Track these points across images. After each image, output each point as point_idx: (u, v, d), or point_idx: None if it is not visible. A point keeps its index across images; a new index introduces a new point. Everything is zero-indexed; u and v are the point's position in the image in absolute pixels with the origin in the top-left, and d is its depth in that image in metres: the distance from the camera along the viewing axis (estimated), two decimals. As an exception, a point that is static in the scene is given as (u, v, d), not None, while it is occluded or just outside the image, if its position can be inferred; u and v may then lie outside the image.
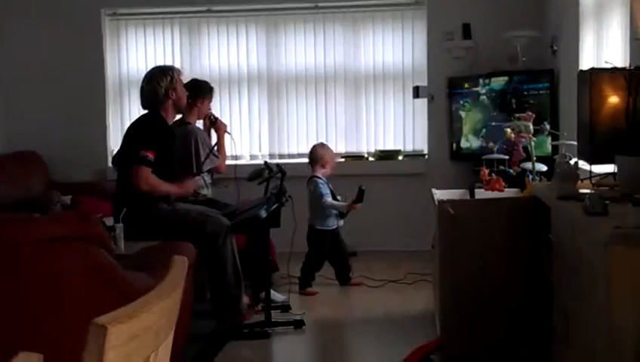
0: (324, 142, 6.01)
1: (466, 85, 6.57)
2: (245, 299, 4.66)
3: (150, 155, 4.37)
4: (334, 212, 5.52)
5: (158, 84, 4.58)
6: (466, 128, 6.58)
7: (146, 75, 4.72)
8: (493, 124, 6.28)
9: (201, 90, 5.30)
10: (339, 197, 5.57)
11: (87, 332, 1.07)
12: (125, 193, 4.45)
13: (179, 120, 5.09)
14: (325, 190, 5.50)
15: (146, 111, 4.70)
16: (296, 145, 7.11)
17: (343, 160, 6.77)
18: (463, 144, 6.60)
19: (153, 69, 4.81)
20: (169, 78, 4.61)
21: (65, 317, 2.78)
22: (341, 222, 5.59)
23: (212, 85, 5.54)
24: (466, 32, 6.74)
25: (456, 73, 6.69)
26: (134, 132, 4.58)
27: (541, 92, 6.08)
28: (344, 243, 5.67)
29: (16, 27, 7.07)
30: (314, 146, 5.73)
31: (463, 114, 6.58)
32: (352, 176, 6.37)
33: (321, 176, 5.57)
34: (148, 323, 1.19)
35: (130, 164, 4.41)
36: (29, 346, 1.09)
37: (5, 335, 2.67)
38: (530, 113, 4.39)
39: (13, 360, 1.03)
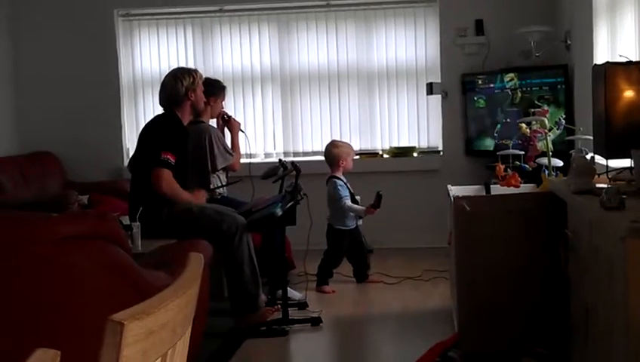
0: (335, 139, 6.00)
1: (480, 81, 6.55)
2: (263, 297, 4.67)
3: (171, 158, 4.38)
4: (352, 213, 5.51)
5: (180, 82, 4.61)
6: (480, 124, 6.55)
7: (169, 73, 4.76)
8: (508, 120, 6.26)
9: (213, 89, 5.30)
10: (357, 198, 5.56)
11: (104, 330, 1.08)
12: (141, 193, 4.46)
13: (192, 118, 5.10)
14: (344, 192, 5.47)
15: (161, 112, 4.71)
16: (310, 143, 7.11)
17: (357, 157, 6.76)
18: (478, 140, 6.58)
19: (177, 68, 4.85)
20: (191, 79, 4.64)
21: (82, 315, 2.79)
22: (360, 222, 5.58)
23: (224, 84, 5.55)
24: (479, 28, 6.72)
25: (470, 69, 6.67)
26: (153, 133, 4.58)
27: (556, 87, 6.05)
28: (363, 240, 5.67)
29: (30, 28, 7.12)
30: (326, 148, 5.68)
31: (477, 110, 6.56)
32: (367, 174, 6.38)
33: (340, 176, 5.55)
34: (165, 319, 1.19)
35: (150, 166, 4.41)
36: (47, 344, 1.10)
37: (23, 333, 2.69)
38: (545, 108, 4.37)
39: (32, 356, 1.03)
